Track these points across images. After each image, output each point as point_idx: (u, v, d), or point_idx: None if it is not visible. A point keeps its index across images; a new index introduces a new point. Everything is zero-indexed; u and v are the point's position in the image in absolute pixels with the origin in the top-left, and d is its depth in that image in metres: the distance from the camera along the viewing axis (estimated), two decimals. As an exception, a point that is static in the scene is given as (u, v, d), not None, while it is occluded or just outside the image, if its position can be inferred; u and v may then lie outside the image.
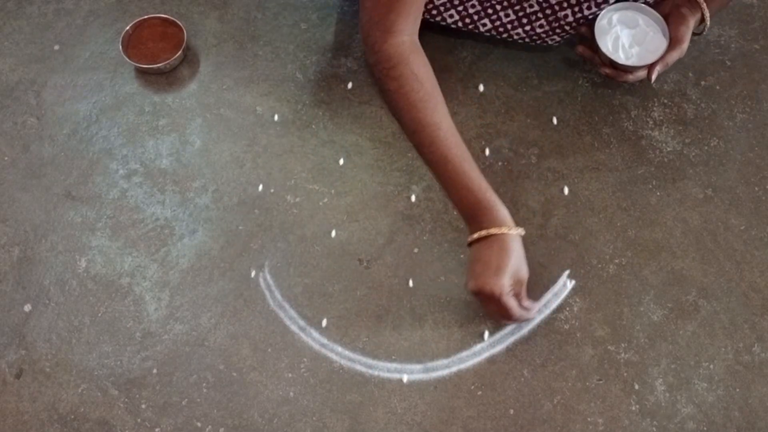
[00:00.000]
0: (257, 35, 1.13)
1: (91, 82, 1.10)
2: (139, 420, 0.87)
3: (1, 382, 0.89)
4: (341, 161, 1.03)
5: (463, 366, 0.90)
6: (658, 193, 1.00)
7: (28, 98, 1.09)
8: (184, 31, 1.09)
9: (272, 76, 1.10)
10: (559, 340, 0.91)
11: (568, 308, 0.93)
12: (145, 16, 1.11)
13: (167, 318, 0.93)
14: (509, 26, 1.00)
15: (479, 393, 0.88)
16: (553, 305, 0.93)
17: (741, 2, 1.16)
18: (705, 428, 0.86)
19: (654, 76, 0.95)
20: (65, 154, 1.04)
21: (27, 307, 0.94)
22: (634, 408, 0.87)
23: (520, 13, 0.98)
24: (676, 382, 0.88)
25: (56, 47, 1.13)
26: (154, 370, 0.90)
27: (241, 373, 0.89)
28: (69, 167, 1.03)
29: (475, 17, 0.99)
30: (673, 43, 0.95)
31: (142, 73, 1.10)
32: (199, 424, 0.87)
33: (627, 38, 0.97)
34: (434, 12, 1.00)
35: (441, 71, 1.09)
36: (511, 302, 0.82)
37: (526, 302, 0.86)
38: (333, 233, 0.98)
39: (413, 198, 1.00)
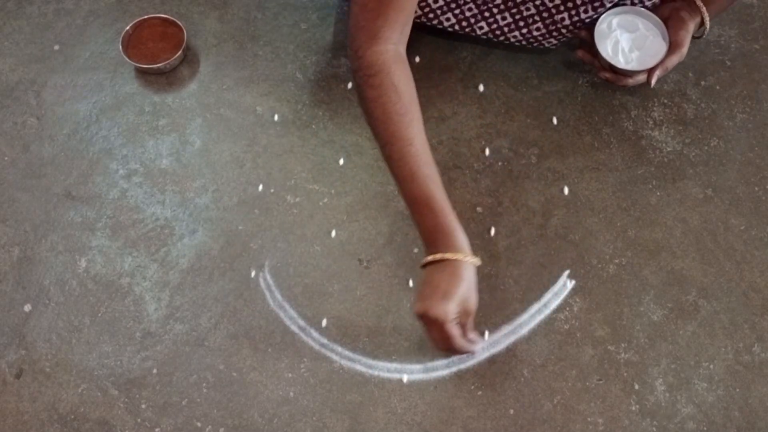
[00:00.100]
0: (257, 35, 1.13)
1: (91, 82, 1.10)
2: (139, 420, 0.87)
3: (1, 382, 0.89)
4: (341, 161, 1.03)
5: (463, 366, 0.90)
6: (658, 193, 1.00)
7: (28, 98, 1.09)
8: (184, 31, 1.09)
9: (272, 76, 1.10)
10: (559, 340, 0.91)
11: (568, 308, 0.93)
12: (145, 16, 1.11)
13: (167, 318, 0.93)
14: (506, 29, 1.00)
15: (479, 393, 0.88)
16: (553, 305, 0.93)
17: (741, 2, 1.16)
18: (705, 428, 0.86)
19: (654, 81, 0.95)
20: (65, 154, 1.04)
21: (27, 307, 0.94)
22: (634, 408, 0.87)
23: (517, 17, 0.98)
24: (676, 382, 0.88)
25: (56, 47, 1.13)
26: (154, 370, 0.90)
27: (241, 373, 0.89)
28: (69, 167, 1.03)
29: (472, 20, 0.99)
30: (672, 47, 0.95)
31: (142, 73, 1.10)
32: (199, 424, 0.87)
33: (627, 42, 0.97)
34: (431, 15, 0.99)
35: (441, 71, 1.10)
36: (454, 331, 0.78)
37: (472, 335, 0.82)
38: (333, 233, 0.98)
39: (413, 198, 1.00)
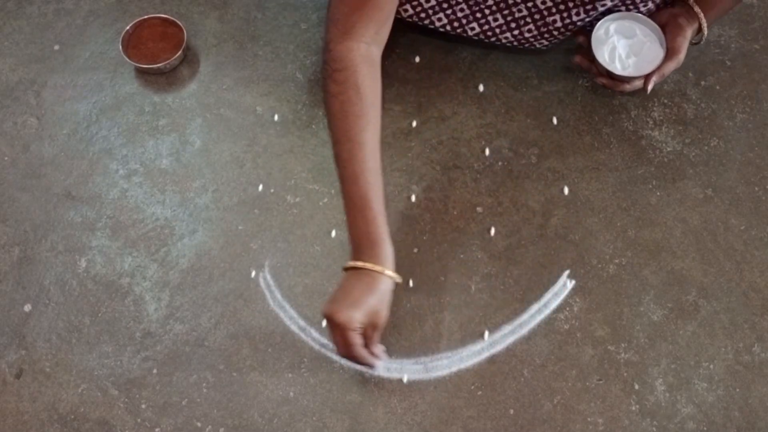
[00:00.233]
0: (257, 35, 1.13)
1: (91, 82, 1.10)
2: (139, 420, 0.87)
3: (1, 382, 0.89)
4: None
5: (463, 366, 0.90)
6: (658, 193, 1.00)
7: (28, 98, 1.09)
8: (184, 31, 1.09)
9: (272, 76, 1.10)
10: (559, 340, 0.91)
11: (568, 308, 0.93)
12: (145, 16, 1.11)
13: (167, 318, 0.93)
14: (497, 30, 1.00)
15: (479, 393, 0.88)
16: (553, 305, 0.93)
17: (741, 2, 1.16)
18: (705, 428, 0.86)
19: (650, 87, 0.95)
20: (65, 154, 1.04)
21: (27, 307, 0.94)
22: (634, 408, 0.87)
23: (509, 18, 0.98)
24: (676, 382, 0.88)
25: (56, 47, 1.13)
26: (154, 370, 0.90)
27: (241, 373, 0.89)
28: (69, 167, 1.03)
29: (464, 21, 0.99)
30: (669, 53, 0.95)
31: (142, 73, 1.10)
32: (199, 424, 0.87)
33: (624, 48, 0.97)
34: (423, 15, 0.99)
35: (441, 71, 1.10)
36: (356, 339, 0.78)
37: (376, 349, 0.82)
38: (333, 233, 0.98)
39: (413, 198, 1.00)
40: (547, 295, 0.93)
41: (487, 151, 1.03)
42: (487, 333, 0.91)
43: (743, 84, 1.09)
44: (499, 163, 1.03)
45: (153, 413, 0.87)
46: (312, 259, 0.96)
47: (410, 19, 1.00)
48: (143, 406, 0.88)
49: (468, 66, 1.10)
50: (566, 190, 1.00)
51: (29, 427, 0.87)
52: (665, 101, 1.07)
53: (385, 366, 0.88)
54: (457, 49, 1.11)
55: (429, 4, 0.98)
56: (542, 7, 0.95)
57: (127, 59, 1.07)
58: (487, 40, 1.02)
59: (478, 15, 0.98)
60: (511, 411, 0.87)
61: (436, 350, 0.90)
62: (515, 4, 0.96)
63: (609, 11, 0.98)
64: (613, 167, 1.02)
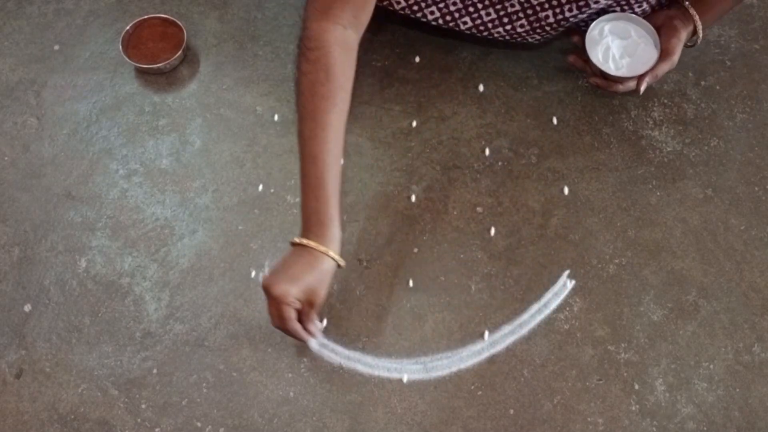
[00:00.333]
0: (257, 35, 1.13)
1: (91, 82, 1.10)
2: (139, 420, 0.87)
3: (1, 382, 0.89)
4: (341, 161, 1.02)
5: (463, 366, 0.90)
6: (658, 193, 1.00)
7: (28, 98, 1.09)
8: (184, 31, 1.09)
9: (272, 76, 1.10)
10: (559, 340, 0.91)
11: (568, 308, 0.93)
12: (145, 16, 1.11)
13: (167, 318, 0.93)
14: (490, 25, 0.99)
15: (479, 393, 0.88)
16: (553, 305, 0.93)
17: (743, 2, 1.16)
18: (705, 428, 0.86)
19: (643, 88, 0.95)
20: (65, 154, 1.04)
21: (27, 307, 0.94)
22: (634, 408, 0.87)
23: (501, 12, 0.98)
24: (676, 382, 0.88)
25: (56, 47, 1.13)
26: (154, 370, 0.90)
27: (241, 373, 0.89)
28: (69, 167, 1.03)
29: (456, 15, 0.99)
30: (663, 54, 0.95)
31: (142, 73, 1.10)
32: (199, 424, 0.87)
33: (618, 49, 0.97)
34: (415, 8, 0.99)
35: (441, 71, 1.10)
36: (290, 314, 0.80)
37: (312, 326, 0.84)
38: (333, 233, 0.98)
39: (413, 198, 1.00)
40: (547, 295, 0.93)
41: (487, 151, 1.03)
42: (487, 333, 0.91)
43: (743, 84, 1.09)
44: (499, 163, 1.03)
45: (153, 413, 0.87)
46: (312, 259, 0.96)
47: (403, 12, 1.00)
48: (143, 406, 0.88)
49: (468, 66, 1.10)
50: (566, 190, 1.00)
51: (29, 427, 0.87)
52: (665, 101, 1.07)
53: (318, 343, 0.89)
54: (457, 49, 1.11)
55: None
56: (535, 2, 0.95)
57: (127, 59, 1.07)
58: (479, 35, 1.02)
59: (471, 9, 0.98)
60: (511, 411, 0.87)
61: (436, 350, 0.90)
62: None
63: (603, 11, 0.98)
64: (613, 167, 1.02)
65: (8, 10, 1.17)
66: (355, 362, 0.89)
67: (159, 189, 1.01)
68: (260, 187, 1.01)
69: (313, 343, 0.88)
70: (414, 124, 1.05)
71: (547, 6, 0.95)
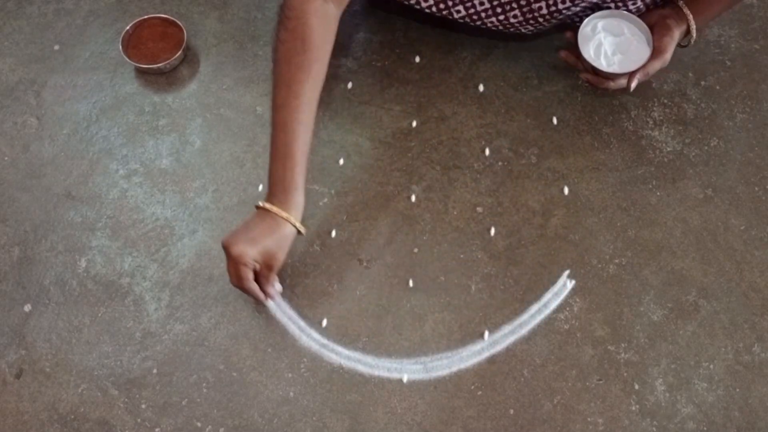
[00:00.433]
0: (257, 35, 1.13)
1: (91, 82, 1.10)
2: (139, 420, 0.87)
3: (1, 382, 0.89)
4: (341, 161, 1.03)
5: (463, 366, 0.90)
6: (658, 193, 1.00)
7: (28, 98, 1.09)
8: (184, 31, 1.09)
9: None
10: (559, 340, 0.91)
11: (568, 308, 0.93)
12: (145, 16, 1.11)
13: (167, 318, 0.93)
14: (483, 14, 0.99)
15: (479, 393, 0.88)
16: (553, 305, 0.93)
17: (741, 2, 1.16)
18: (705, 428, 0.86)
19: (633, 85, 0.95)
20: (65, 154, 1.04)
21: (27, 307, 0.94)
22: (634, 408, 0.87)
23: (495, 2, 0.97)
24: (676, 382, 0.88)
25: (56, 47, 1.13)
26: (154, 370, 0.90)
27: (241, 373, 0.89)
28: (69, 167, 1.03)
29: (450, 3, 0.99)
30: (655, 52, 0.95)
31: (142, 73, 1.10)
32: (199, 424, 0.87)
33: (610, 46, 0.97)
34: None
35: (441, 71, 1.10)
36: (247, 274, 0.83)
37: (270, 288, 0.87)
38: (333, 233, 0.98)
39: (413, 198, 1.00)
40: (547, 295, 0.93)
41: (487, 151, 1.03)
42: (487, 333, 0.91)
43: (743, 84, 1.09)
44: (499, 163, 1.03)
45: (153, 413, 0.87)
46: (312, 258, 0.96)
47: None
48: (143, 406, 0.88)
49: (468, 66, 1.10)
50: (566, 190, 1.00)
51: (29, 427, 0.87)
52: (665, 101, 1.07)
53: (275, 305, 0.91)
54: (457, 49, 1.11)
55: None
56: None
57: (127, 59, 1.07)
58: (472, 24, 1.02)
59: None
60: (511, 411, 0.87)
61: (436, 350, 0.90)
62: None
63: (597, 6, 0.98)
64: (613, 167, 1.02)
65: (8, 10, 1.17)
66: (355, 362, 0.89)
67: (159, 189, 1.01)
68: (260, 187, 1.01)
69: (271, 305, 0.90)
70: (414, 124, 1.05)
71: None
